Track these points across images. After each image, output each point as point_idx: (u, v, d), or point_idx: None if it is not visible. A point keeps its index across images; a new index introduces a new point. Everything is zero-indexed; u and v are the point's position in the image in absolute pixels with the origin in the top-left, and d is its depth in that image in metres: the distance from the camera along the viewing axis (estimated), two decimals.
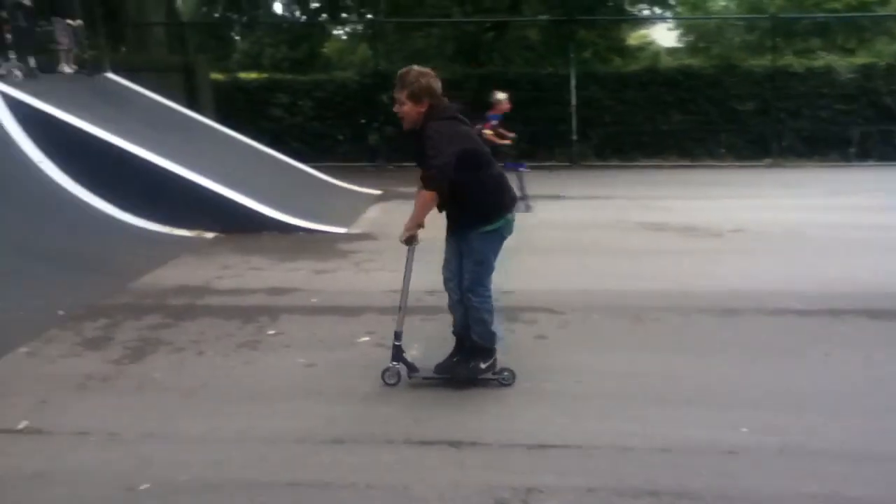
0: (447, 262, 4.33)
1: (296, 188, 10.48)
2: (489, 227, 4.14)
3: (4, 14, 9.31)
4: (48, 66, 10.16)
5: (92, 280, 6.41)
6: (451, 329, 4.40)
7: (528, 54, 18.78)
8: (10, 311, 5.47)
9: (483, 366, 4.24)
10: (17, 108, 8.53)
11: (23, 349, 4.94)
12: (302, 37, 24.01)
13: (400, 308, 4.30)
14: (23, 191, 7.78)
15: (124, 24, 15.42)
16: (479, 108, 13.44)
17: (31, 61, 9.67)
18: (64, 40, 10.43)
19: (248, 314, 5.62)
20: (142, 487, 3.22)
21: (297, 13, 26.06)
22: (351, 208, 9.81)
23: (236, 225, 8.33)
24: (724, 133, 15.57)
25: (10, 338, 5.05)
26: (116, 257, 7.13)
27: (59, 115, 8.72)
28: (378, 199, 10.73)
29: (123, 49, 15.19)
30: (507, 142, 9.47)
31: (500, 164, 4.63)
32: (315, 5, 24.43)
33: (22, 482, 3.32)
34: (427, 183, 4.00)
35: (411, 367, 4.30)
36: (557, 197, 11.21)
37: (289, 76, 15.83)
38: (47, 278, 6.23)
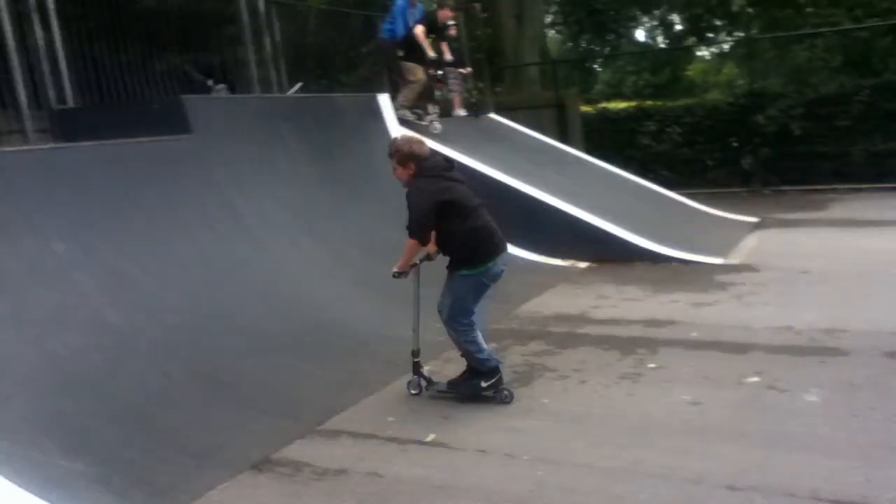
0: (441, 293, 4.76)
1: (667, 217, 10.28)
2: (467, 272, 4.64)
3: (439, 73, 10.50)
4: (443, 111, 11.37)
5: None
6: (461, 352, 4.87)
7: None
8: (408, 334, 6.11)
9: (484, 384, 4.76)
10: None
11: (426, 367, 5.45)
12: (664, 61, 23.77)
13: (414, 329, 4.91)
14: None
15: (502, 67, 16.59)
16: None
17: (429, 108, 10.80)
18: (457, 88, 11.58)
19: (626, 345, 5.60)
20: None
21: (660, 38, 25.91)
22: (726, 237, 9.32)
23: (609, 254, 8.41)
24: None
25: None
26: (501, 285, 7.54)
27: (449, 153, 9.63)
28: (755, 226, 10.06)
29: (501, 90, 16.34)
30: None
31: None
32: (678, 28, 24.05)
33: (430, 492, 3.66)
34: (409, 233, 4.56)
35: (429, 381, 4.98)
36: None
37: (658, 103, 15.61)
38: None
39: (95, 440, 4.18)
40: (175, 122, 6.72)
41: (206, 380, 5.00)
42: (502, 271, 4.75)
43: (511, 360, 5.47)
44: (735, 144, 13.98)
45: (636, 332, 5.95)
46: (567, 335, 6.01)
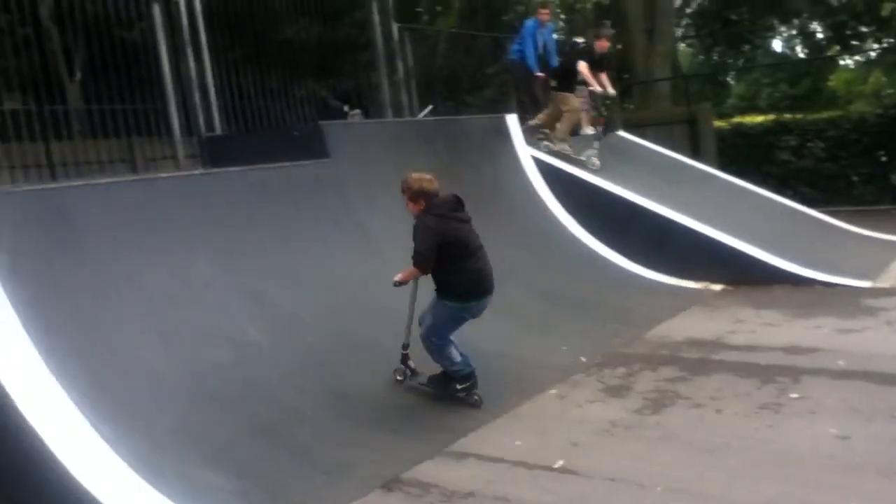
0: (425, 310, 5.20)
1: (808, 237, 9.76)
2: (453, 304, 5.03)
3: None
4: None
5: (609, 329, 6.77)
6: None
7: None
8: (540, 355, 6.09)
9: (458, 387, 5.18)
10: (542, 168, 9.60)
11: (552, 391, 5.42)
12: (804, 72, 22.69)
13: (406, 326, 5.32)
14: (546, 243, 8.66)
15: (631, 84, 16.35)
16: None
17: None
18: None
19: (766, 373, 5.35)
20: None
21: (799, 48, 24.78)
22: (874, 259, 8.74)
23: (745, 276, 8.06)
24: None
25: (541, 379, 5.60)
26: (629, 307, 7.43)
27: (575, 172, 9.59)
28: None
29: (630, 106, 16.10)
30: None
31: None
32: (819, 36, 22.92)
33: None
34: (414, 262, 4.94)
35: (413, 372, 5.39)
36: None
37: (797, 116, 14.89)
38: (569, 325, 6.79)
39: (235, 454, 4.40)
40: (314, 147, 7.03)
41: (338, 397, 5.17)
42: (484, 308, 5.16)
43: (641, 386, 5.34)
44: (884, 159, 13.18)
45: (776, 359, 5.67)
46: (701, 361, 5.81)
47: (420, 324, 5.21)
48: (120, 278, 5.20)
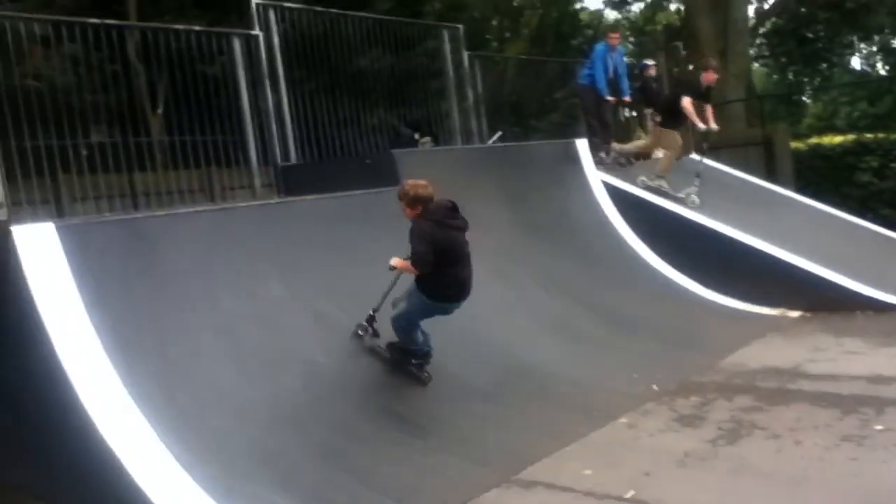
0: (402, 295, 5.43)
1: (891, 261, 9.39)
2: (429, 300, 5.26)
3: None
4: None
5: (680, 356, 6.64)
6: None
7: None
8: (609, 383, 6.02)
9: (414, 362, 5.57)
10: (612, 192, 9.53)
11: (622, 420, 5.34)
12: (885, 90, 21.96)
13: (383, 295, 5.61)
14: (616, 268, 8.57)
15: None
16: None
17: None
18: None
19: (847, 403, 5.17)
20: None
21: (879, 65, 24.02)
22: None
23: (824, 303, 7.80)
24: None
25: (611, 407, 5.53)
26: (701, 334, 7.29)
27: (646, 196, 9.49)
28: None
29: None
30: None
31: None
32: None
33: None
34: (413, 262, 5.13)
35: (375, 333, 5.70)
36: None
37: (879, 135, 14.39)
38: (640, 352, 6.68)
39: (302, 477, 4.48)
40: (386, 175, 7.15)
41: (403, 422, 5.21)
42: (456, 308, 5.42)
43: (716, 415, 5.22)
44: None
45: (859, 388, 5.48)
46: (778, 391, 5.64)
47: (393, 306, 5.49)
48: (198, 304, 5.40)
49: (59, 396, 4.39)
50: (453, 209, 5.31)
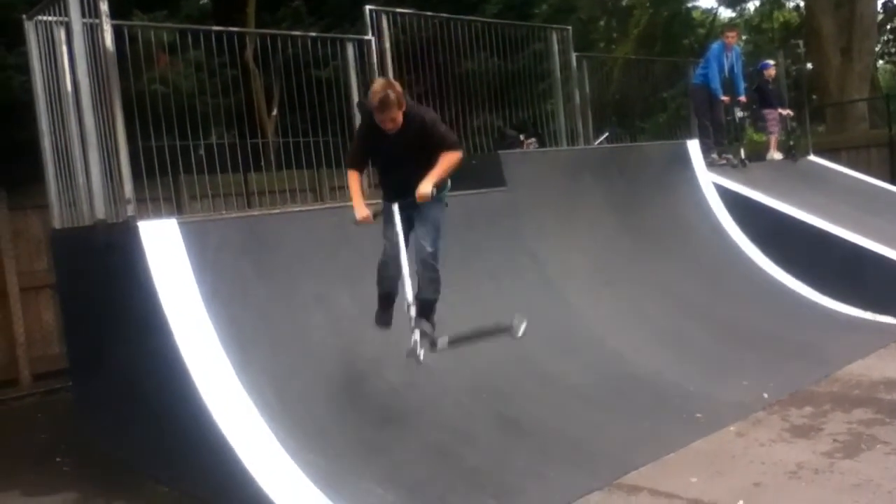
0: (396, 235, 4.72)
1: None
2: (446, 195, 4.85)
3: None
4: (758, 155, 10.86)
5: (793, 365, 6.37)
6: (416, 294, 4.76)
7: None
8: (718, 390, 5.85)
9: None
10: (725, 195, 9.25)
11: (731, 428, 5.19)
12: None
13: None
14: (728, 274, 8.30)
15: (824, 105, 15.39)
16: None
17: (741, 153, 10.37)
18: (774, 129, 11.00)
19: None
20: None
21: None
22: None
23: None
24: None
25: (719, 415, 5.38)
26: (817, 342, 6.97)
27: (761, 199, 9.14)
28: None
29: (822, 130, 15.16)
30: None
31: None
32: None
33: None
34: (456, 146, 4.62)
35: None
36: None
37: None
38: (752, 360, 6.46)
39: (406, 473, 4.56)
40: (492, 176, 7.20)
41: (506, 423, 5.21)
42: None
43: (832, 427, 5.00)
44: None
45: None
46: None
47: (431, 254, 4.71)
48: (308, 299, 5.58)
49: (177, 386, 4.63)
50: None
